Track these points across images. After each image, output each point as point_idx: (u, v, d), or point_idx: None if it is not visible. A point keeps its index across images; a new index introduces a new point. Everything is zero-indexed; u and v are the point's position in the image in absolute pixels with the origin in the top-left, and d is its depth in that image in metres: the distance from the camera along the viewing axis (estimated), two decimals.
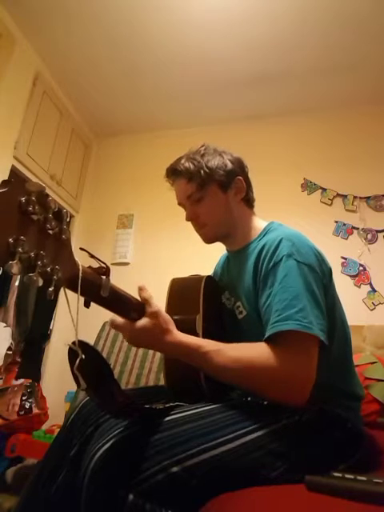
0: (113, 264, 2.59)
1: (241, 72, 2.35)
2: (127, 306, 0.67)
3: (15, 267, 0.38)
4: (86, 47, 2.24)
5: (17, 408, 1.77)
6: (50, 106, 2.42)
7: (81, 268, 0.52)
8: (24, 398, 1.82)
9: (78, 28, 2.12)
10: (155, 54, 2.26)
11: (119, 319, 0.70)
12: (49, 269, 0.44)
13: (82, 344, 0.55)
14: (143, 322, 0.68)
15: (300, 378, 0.68)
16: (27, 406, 1.80)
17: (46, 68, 2.38)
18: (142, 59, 2.30)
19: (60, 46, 2.25)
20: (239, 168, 0.96)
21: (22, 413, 1.77)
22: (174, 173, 0.95)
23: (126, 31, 2.12)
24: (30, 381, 1.94)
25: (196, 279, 0.91)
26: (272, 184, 2.44)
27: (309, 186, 2.46)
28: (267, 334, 0.71)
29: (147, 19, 2.04)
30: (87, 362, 0.54)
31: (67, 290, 0.52)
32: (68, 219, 0.47)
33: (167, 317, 0.72)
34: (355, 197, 2.33)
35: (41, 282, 0.42)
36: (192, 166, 0.91)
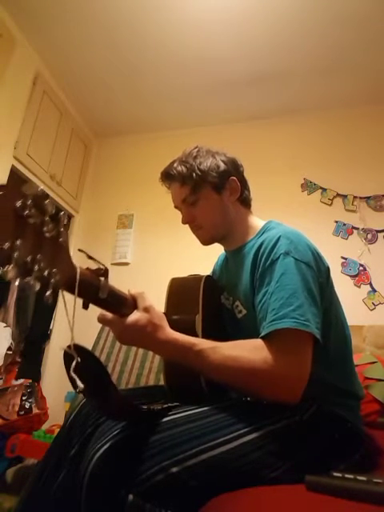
0: (113, 264, 2.59)
1: (241, 72, 2.35)
2: (124, 306, 0.66)
3: (11, 272, 0.38)
4: (86, 47, 2.24)
5: (17, 408, 1.77)
6: (50, 106, 2.42)
7: (79, 270, 0.52)
8: (24, 398, 1.82)
9: (78, 28, 2.12)
10: (155, 54, 2.26)
11: (108, 314, 0.67)
12: (46, 272, 0.43)
13: (78, 348, 0.54)
14: (135, 316, 0.66)
15: (294, 377, 0.68)
16: (27, 406, 1.80)
17: (46, 68, 2.38)
18: (141, 59, 2.30)
19: (60, 46, 2.25)
20: (233, 168, 0.96)
21: (22, 413, 1.77)
22: (167, 177, 0.95)
23: (125, 31, 2.12)
24: (30, 381, 1.94)
25: (195, 279, 0.91)
26: (272, 184, 2.44)
27: (309, 186, 2.46)
28: (264, 333, 0.70)
29: (147, 19, 2.04)
30: (83, 365, 0.53)
31: (65, 293, 0.51)
32: (66, 221, 0.47)
33: (160, 313, 0.71)
34: (355, 197, 2.33)
35: (38, 286, 0.42)
36: (184, 170, 0.91)
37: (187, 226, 0.97)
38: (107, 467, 0.58)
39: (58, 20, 2.08)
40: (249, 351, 0.69)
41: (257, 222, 0.96)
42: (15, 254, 0.38)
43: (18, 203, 0.39)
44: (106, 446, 0.60)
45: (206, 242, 0.97)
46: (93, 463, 0.58)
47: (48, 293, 0.44)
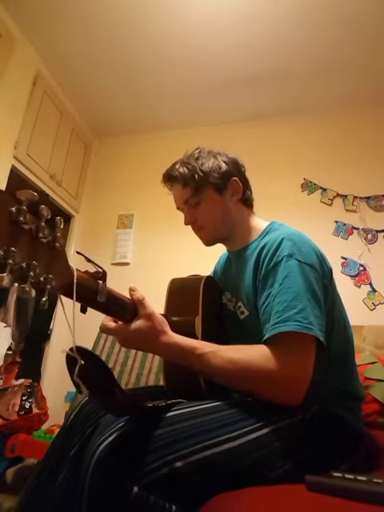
0: (113, 264, 2.59)
1: (241, 72, 2.35)
2: (124, 309, 0.67)
3: (6, 279, 0.38)
4: (86, 47, 2.24)
5: (17, 408, 1.77)
6: (50, 105, 2.42)
7: (76, 274, 0.51)
8: (24, 398, 1.82)
9: (79, 28, 2.12)
10: (155, 54, 2.26)
11: (110, 323, 0.69)
12: (42, 278, 0.44)
13: (80, 349, 0.54)
14: (137, 324, 0.68)
15: (297, 380, 0.68)
16: (27, 406, 1.80)
17: (46, 68, 2.38)
18: (142, 59, 2.30)
19: (60, 45, 2.25)
20: (235, 169, 0.95)
21: (22, 413, 1.77)
22: (169, 178, 0.95)
23: (126, 31, 2.12)
24: (30, 381, 1.94)
25: (195, 280, 0.91)
26: (272, 184, 2.44)
27: (309, 186, 2.46)
28: (267, 336, 0.70)
29: (147, 19, 2.04)
30: (87, 367, 0.53)
31: (63, 297, 0.51)
32: (62, 226, 0.47)
33: (162, 318, 0.71)
34: (355, 197, 2.33)
35: (33, 293, 0.42)
36: (186, 171, 0.91)
37: (188, 226, 0.97)
38: (111, 458, 0.58)
39: (59, 20, 2.08)
40: (250, 354, 0.69)
41: (259, 222, 0.96)
42: (9, 261, 0.38)
43: (13, 209, 0.39)
44: (110, 439, 0.59)
45: (208, 242, 0.97)
46: (97, 454, 0.58)
47: (44, 299, 0.44)
